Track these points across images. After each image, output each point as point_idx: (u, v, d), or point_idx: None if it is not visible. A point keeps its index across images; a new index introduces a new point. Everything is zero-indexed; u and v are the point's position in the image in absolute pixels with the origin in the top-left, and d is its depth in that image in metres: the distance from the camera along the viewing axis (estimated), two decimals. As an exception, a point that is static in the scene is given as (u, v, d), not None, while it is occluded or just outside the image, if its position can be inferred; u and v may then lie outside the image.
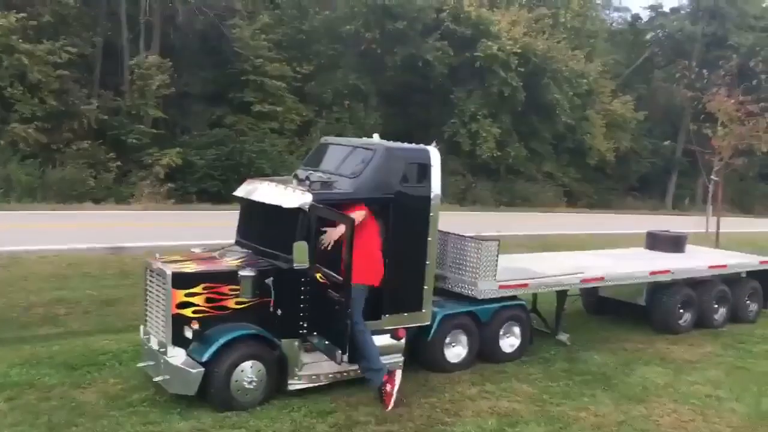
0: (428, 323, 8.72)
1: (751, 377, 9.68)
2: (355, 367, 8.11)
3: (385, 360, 8.31)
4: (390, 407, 7.62)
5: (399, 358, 8.54)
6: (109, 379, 8.10)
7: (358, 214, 7.54)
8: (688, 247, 13.77)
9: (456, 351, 9.13)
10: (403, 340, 8.53)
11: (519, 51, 31.98)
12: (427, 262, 8.51)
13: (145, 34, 27.43)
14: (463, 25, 32.14)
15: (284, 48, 29.91)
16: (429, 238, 8.49)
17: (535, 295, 10.86)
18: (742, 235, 25.01)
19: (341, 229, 7.30)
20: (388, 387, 7.71)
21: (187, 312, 7.33)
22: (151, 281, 7.82)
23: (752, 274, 13.09)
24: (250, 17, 28.68)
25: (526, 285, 9.78)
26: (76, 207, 21.43)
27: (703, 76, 22.59)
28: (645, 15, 50.97)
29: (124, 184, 24.96)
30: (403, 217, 8.26)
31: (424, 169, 8.46)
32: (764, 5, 48.30)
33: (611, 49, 45.26)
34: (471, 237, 9.44)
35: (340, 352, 7.39)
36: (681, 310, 11.76)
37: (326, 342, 7.59)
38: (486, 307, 9.31)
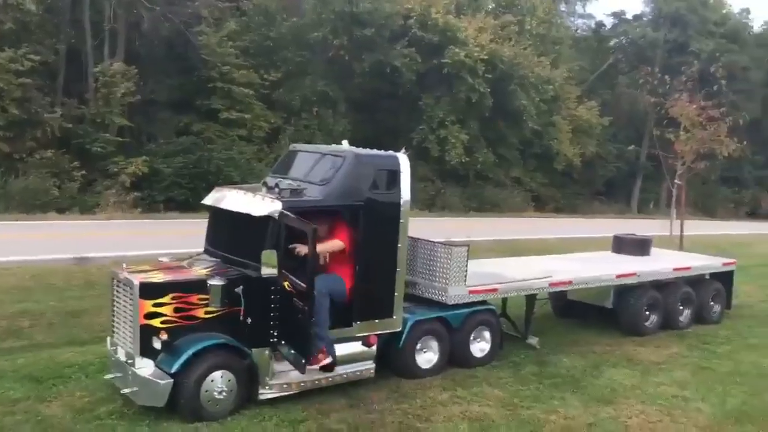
0: (399, 330, 8.73)
1: (716, 377, 9.87)
2: (326, 375, 8.11)
3: (357, 367, 8.34)
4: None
5: (370, 365, 8.55)
6: (76, 392, 7.97)
7: (336, 245, 7.97)
8: (654, 250, 14.01)
9: (427, 357, 9.15)
10: (374, 347, 8.53)
11: (486, 57, 32.23)
12: (398, 269, 8.54)
13: (109, 41, 27.03)
14: (431, 31, 32.30)
15: (251, 55, 29.73)
16: (399, 245, 8.52)
17: (504, 300, 10.94)
18: (706, 238, 25.49)
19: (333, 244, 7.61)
20: (320, 356, 7.67)
21: (156, 322, 7.25)
22: (117, 292, 7.71)
23: (715, 276, 13.35)
24: (217, 24, 28.46)
25: (495, 290, 9.86)
26: (40, 217, 21.02)
27: (665, 81, 22.94)
28: (608, 22, 51.97)
29: (89, 193, 24.53)
30: (373, 223, 8.28)
31: (394, 176, 8.49)
32: (724, 11, 49.38)
33: (576, 55, 45.85)
34: (441, 243, 9.49)
35: (304, 361, 7.37)
36: (647, 312, 11.95)
37: (292, 351, 7.55)
38: (456, 312, 9.35)
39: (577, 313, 12.62)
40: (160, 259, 8.45)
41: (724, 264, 13.54)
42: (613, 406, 8.47)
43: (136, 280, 7.29)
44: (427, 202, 32.21)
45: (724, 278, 13.45)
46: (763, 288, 17.16)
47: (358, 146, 9.19)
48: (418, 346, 9.03)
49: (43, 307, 11.52)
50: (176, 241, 14.24)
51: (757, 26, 52.89)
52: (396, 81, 32.37)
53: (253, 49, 30.10)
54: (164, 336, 7.24)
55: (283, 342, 7.67)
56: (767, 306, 15.20)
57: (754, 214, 50.63)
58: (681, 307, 12.52)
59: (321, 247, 7.85)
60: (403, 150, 8.98)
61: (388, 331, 8.67)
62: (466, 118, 33.53)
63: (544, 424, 7.78)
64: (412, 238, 9.20)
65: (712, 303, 13.15)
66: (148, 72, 27.49)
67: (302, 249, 7.45)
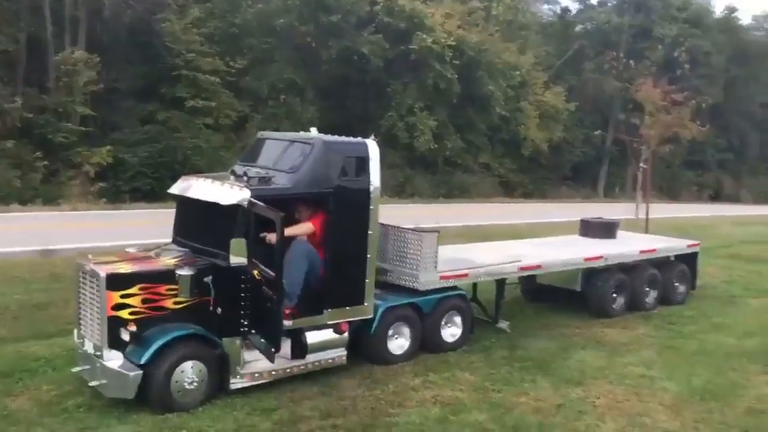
0: (371, 316, 8.74)
1: (682, 356, 10.07)
2: (298, 363, 8.10)
3: (329, 354, 8.34)
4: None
5: (342, 352, 8.54)
6: (42, 385, 7.83)
7: (306, 228, 8.07)
8: (620, 233, 14.19)
9: (399, 343, 9.17)
10: (346, 334, 8.52)
11: (453, 44, 32.29)
12: (368, 256, 8.53)
13: (70, 28, 26.45)
14: (398, 18, 32.23)
15: (216, 42, 29.37)
16: (370, 232, 8.51)
17: (475, 285, 11.00)
18: (670, 221, 25.95)
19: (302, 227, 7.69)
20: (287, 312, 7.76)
21: (123, 314, 7.15)
22: (83, 283, 7.59)
23: (680, 258, 13.58)
24: (181, 11, 28.04)
25: (466, 275, 9.91)
26: (2, 209, 20.57)
27: (630, 66, 23.21)
28: (574, 8, 52.42)
29: (53, 184, 24.07)
30: (343, 211, 8.25)
31: (363, 163, 8.46)
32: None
33: (542, 41, 46.18)
34: (411, 229, 9.50)
35: (273, 350, 7.35)
36: (614, 295, 12.13)
37: (262, 340, 7.53)
38: (427, 298, 9.38)
39: (546, 296, 12.76)
40: (126, 249, 8.33)
41: (689, 246, 13.78)
42: (582, 387, 8.59)
43: (103, 271, 7.18)
44: (397, 189, 32.25)
45: (689, 260, 13.70)
46: (726, 269, 17.53)
47: (326, 134, 9.14)
48: (390, 333, 9.04)
49: (8, 300, 11.29)
50: (143, 231, 14.05)
51: (718, 11, 53.87)
52: (364, 68, 32.29)
53: (218, 36, 29.75)
54: (132, 327, 7.14)
55: (253, 331, 7.64)
56: (730, 287, 15.52)
57: (716, 197, 51.70)
58: (647, 289, 12.73)
59: (290, 231, 7.84)
60: (372, 137, 8.95)
61: (359, 318, 8.67)
62: (435, 105, 33.60)
63: (514, 407, 7.86)
64: (382, 224, 9.20)
65: (677, 284, 13.37)
66: (110, 60, 26.99)
67: (272, 237, 7.41)
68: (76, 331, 7.89)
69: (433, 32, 32.04)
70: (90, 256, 7.80)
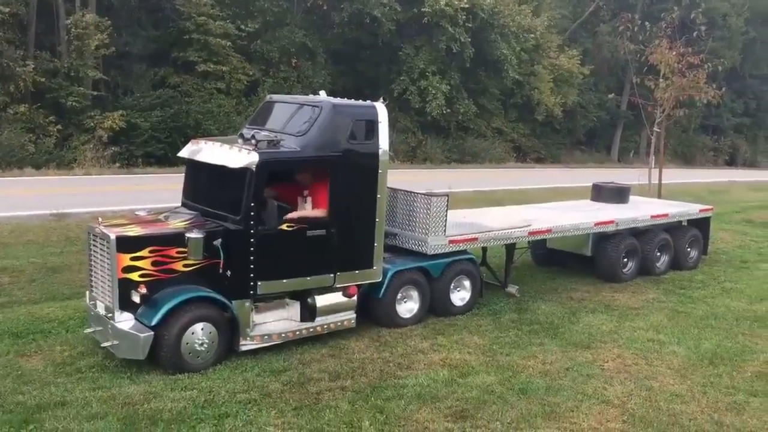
0: (379, 280, 8.78)
1: (691, 321, 10.06)
2: (307, 325, 8.18)
3: (338, 317, 8.42)
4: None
5: (351, 315, 8.61)
6: (56, 346, 7.98)
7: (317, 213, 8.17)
8: (632, 198, 14.11)
9: (407, 306, 9.23)
10: (354, 298, 8.58)
11: (466, 6, 31.74)
12: (377, 219, 8.54)
13: (80, -9, 26.28)
14: (410, -21, 31.74)
15: (227, 5, 29.04)
16: (378, 195, 8.50)
17: (484, 249, 11.01)
18: (684, 186, 25.77)
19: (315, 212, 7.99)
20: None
21: (134, 276, 7.23)
22: (94, 246, 7.66)
23: (692, 223, 13.51)
24: (191, -27, 27.71)
25: (475, 239, 9.91)
26: (16, 173, 20.74)
27: (645, 28, 22.76)
28: (590, -32, 51.10)
29: (66, 148, 24.13)
30: (352, 174, 8.24)
31: (372, 126, 8.42)
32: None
33: (557, 3, 45.35)
34: (420, 193, 9.48)
35: None
36: (625, 259, 12.10)
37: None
38: (436, 262, 9.40)
39: (556, 261, 12.75)
40: (136, 212, 8.39)
41: (701, 211, 13.68)
42: (591, 351, 8.62)
43: (113, 234, 7.24)
44: (409, 154, 32.12)
45: (701, 225, 13.62)
46: (739, 234, 17.43)
47: (338, 97, 9.08)
48: (399, 296, 9.09)
49: (23, 264, 11.45)
50: (156, 195, 14.13)
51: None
52: (375, 31, 31.89)
53: (229, 0, 29.43)
54: (143, 290, 7.23)
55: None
56: (742, 252, 15.44)
57: (732, 162, 51.15)
58: (658, 254, 12.68)
59: (301, 214, 8.00)
60: (381, 99, 8.89)
61: (368, 282, 8.72)
62: (447, 69, 33.22)
63: (522, 370, 7.91)
64: (391, 188, 9.18)
65: (688, 249, 13.32)
66: (121, 24, 26.83)
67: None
68: (87, 293, 8.00)
69: (445, -6, 31.52)
70: (100, 219, 7.86)
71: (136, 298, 7.25)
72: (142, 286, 7.24)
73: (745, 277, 13.00)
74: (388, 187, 8.83)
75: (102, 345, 7.44)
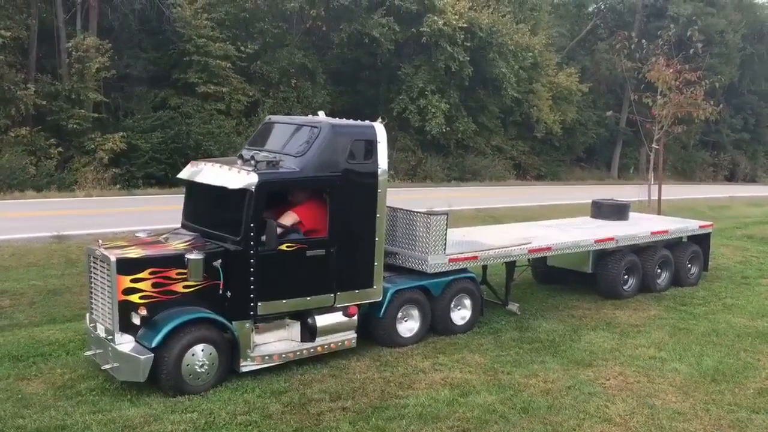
0: (380, 299, 8.77)
1: (693, 338, 10.02)
2: (307, 345, 8.17)
3: (338, 337, 8.39)
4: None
5: (352, 335, 8.59)
6: (56, 369, 7.96)
7: (291, 217, 8.15)
8: (632, 215, 14.11)
9: (408, 325, 9.21)
10: (355, 317, 8.57)
11: (465, 25, 31.98)
12: (377, 239, 8.55)
13: (81, 14, 26.49)
14: (408, 0, 31.98)
15: (227, 27, 29.29)
16: (378, 215, 8.53)
17: (485, 267, 11.00)
18: (683, 202, 25.79)
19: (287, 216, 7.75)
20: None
21: (134, 298, 7.24)
22: (94, 268, 7.67)
23: (693, 239, 13.50)
24: (191, -4, 27.96)
25: (475, 257, 9.91)
26: (18, 196, 20.79)
27: (642, 46, 22.94)
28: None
29: (67, 170, 24.26)
30: (351, 194, 8.27)
31: (371, 146, 8.46)
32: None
33: (555, 21, 45.68)
34: (419, 212, 9.50)
35: None
36: (626, 276, 12.08)
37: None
38: (437, 281, 9.40)
39: (556, 278, 12.74)
40: (136, 234, 8.40)
41: (701, 227, 13.68)
42: (592, 369, 8.59)
43: (113, 256, 7.25)
44: (409, 173, 32.21)
45: (702, 241, 13.61)
46: (740, 250, 17.40)
47: (338, 117, 9.13)
48: (399, 315, 9.08)
49: (24, 286, 11.46)
50: (157, 216, 14.15)
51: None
52: (374, 51, 32.09)
53: (229, 21, 29.65)
54: (143, 311, 7.23)
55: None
56: (743, 267, 15.40)
57: (732, 178, 51.21)
58: (659, 270, 12.67)
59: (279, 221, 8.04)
60: (380, 119, 8.94)
61: (368, 301, 8.71)
62: (446, 88, 33.40)
63: (524, 388, 7.88)
64: (390, 207, 9.21)
65: (689, 265, 13.30)
66: (122, 46, 27.06)
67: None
68: (88, 315, 7.99)
69: (444, 14, 31.74)
70: (99, 241, 7.87)
71: (137, 320, 7.25)
72: (143, 307, 7.24)
73: (746, 293, 12.97)
74: (387, 207, 8.86)
75: (102, 367, 7.43)
